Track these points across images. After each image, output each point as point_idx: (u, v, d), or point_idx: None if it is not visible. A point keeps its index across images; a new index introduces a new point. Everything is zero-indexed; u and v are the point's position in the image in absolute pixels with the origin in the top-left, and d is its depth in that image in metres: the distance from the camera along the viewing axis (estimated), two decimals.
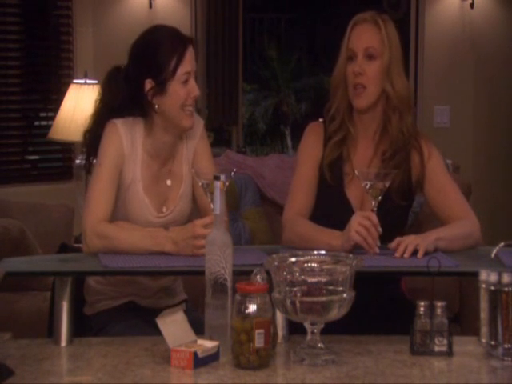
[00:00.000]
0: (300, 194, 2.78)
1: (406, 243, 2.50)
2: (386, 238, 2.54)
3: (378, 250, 2.51)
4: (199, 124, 2.85)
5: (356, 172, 2.60)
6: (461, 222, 2.68)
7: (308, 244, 2.58)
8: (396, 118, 2.76)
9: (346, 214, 2.61)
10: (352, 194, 2.77)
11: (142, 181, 2.73)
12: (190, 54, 2.73)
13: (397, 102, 2.75)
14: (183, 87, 2.70)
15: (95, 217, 2.62)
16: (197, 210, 2.84)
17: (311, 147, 2.82)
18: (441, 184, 2.78)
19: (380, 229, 2.51)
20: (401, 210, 2.79)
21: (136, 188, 2.72)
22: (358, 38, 2.75)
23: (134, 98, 2.73)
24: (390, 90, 2.74)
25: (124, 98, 2.75)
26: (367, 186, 2.55)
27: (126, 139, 2.71)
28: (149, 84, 2.70)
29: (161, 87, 2.69)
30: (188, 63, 2.71)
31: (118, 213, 2.69)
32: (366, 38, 2.74)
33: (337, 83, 2.79)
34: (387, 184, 2.56)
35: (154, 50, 2.71)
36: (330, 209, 2.76)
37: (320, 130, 2.84)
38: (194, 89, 2.72)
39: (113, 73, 2.82)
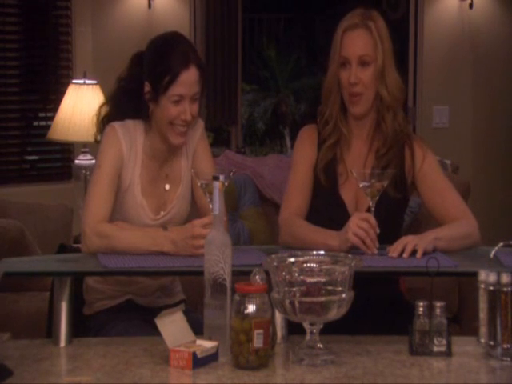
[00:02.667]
0: (296, 195, 2.79)
1: (405, 243, 2.50)
2: (382, 234, 2.53)
3: (376, 251, 2.50)
4: (199, 125, 2.85)
5: (354, 173, 2.60)
6: (459, 222, 2.69)
7: (305, 245, 2.58)
8: (390, 116, 2.77)
9: (341, 215, 2.63)
10: (346, 194, 2.77)
11: (141, 183, 2.73)
12: (187, 77, 2.66)
13: (391, 101, 2.76)
14: (174, 106, 2.67)
15: (95, 217, 2.62)
16: (196, 211, 2.84)
17: (306, 149, 2.83)
18: (437, 185, 2.78)
19: (378, 230, 2.51)
20: (396, 204, 2.79)
21: (134, 190, 2.72)
22: (350, 45, 2.73)
23: (139, 90, 2.72)
24: (384, 92, 2.75)
25: (138, 85, 2.73)
26: (365, 187, 2.55)
27: (125, 142, 2.71)
28: (147, 87, 2.71)
29: (155, 96, 2.69)
30: (182, 86, 2.65)
31: (116, 215, 2.69)
32: (360, 45, 2.72)
33: (329, 89, 2.79)
34: (385, 184, 2.56)
35: (157, 59, 2.69)
36: (325, 210, 2.77)
37: (314, 132, 2.84)
38: (186, 113, 2.67)
39: (135, 57, 2.79)
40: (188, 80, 2.66)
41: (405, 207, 2.86)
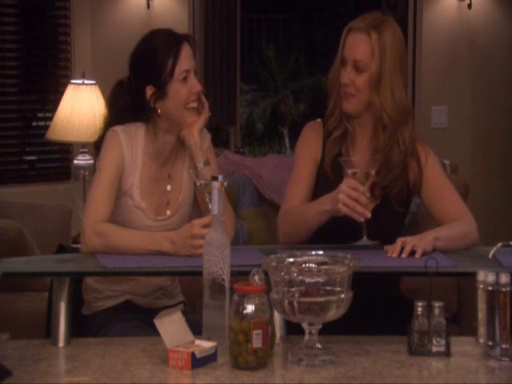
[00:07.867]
0: (298, 190, 2.79)
1: (403, 243, 2.50)
2: (381, 243, 2.58)
3: (369, 215, 2.53)
4: (205, 138, 2.84)
5: (340, 160, 2.65)
6: (458, 222, 2.70)
7: (301, 222, 2.65)
8: (385, 136, 2.74)
9: None
10: None
11: (140, 187, 2.74)
12: (185, 52, 2.71)
13: (386, 119, 2.72)
14: (183, 86, 2.70)
15: (94, 217, 2.63)
16: (199, 214, 2.83)
17: (310, 145, 2.83)
18: (437, 185, 2.79)
19: (368, 194, 2.55)
20: (397, 216, 2.81)
21: (133, 193, 2.73)
22: (349, 47, 2.74)
23: (137, 106, 2.75)
24: (377, 104, 2.73)
25: (129, 108, 2.76)
26: (353, 173, 2.59)
27: (127, 146, 2.72)
28: (150, 90, 2.71)
29: (161, 91, 2.70)
30: (185, 61, 2.70)
31: (115, 217, 2.69)
32: (356, 49, 2.72)
33: (332, 82, 2.81)
34: (373, 171, 2.60)
35: (150, 56, 2.71)
36: None
37: (319, 128, 2.85)
38: (195, 85, 2.71)
39: (117, 88, 2.83)
40: (188, 53, 2.72)
41: (405, 217, 2.87)
